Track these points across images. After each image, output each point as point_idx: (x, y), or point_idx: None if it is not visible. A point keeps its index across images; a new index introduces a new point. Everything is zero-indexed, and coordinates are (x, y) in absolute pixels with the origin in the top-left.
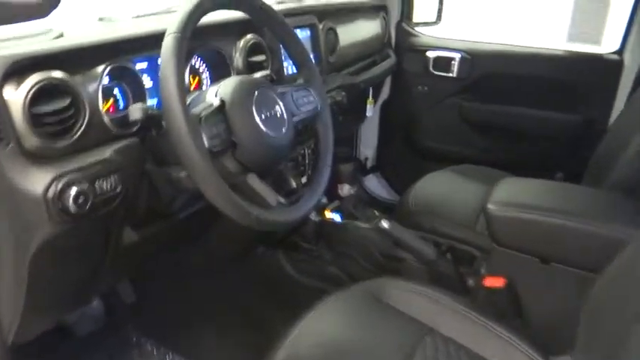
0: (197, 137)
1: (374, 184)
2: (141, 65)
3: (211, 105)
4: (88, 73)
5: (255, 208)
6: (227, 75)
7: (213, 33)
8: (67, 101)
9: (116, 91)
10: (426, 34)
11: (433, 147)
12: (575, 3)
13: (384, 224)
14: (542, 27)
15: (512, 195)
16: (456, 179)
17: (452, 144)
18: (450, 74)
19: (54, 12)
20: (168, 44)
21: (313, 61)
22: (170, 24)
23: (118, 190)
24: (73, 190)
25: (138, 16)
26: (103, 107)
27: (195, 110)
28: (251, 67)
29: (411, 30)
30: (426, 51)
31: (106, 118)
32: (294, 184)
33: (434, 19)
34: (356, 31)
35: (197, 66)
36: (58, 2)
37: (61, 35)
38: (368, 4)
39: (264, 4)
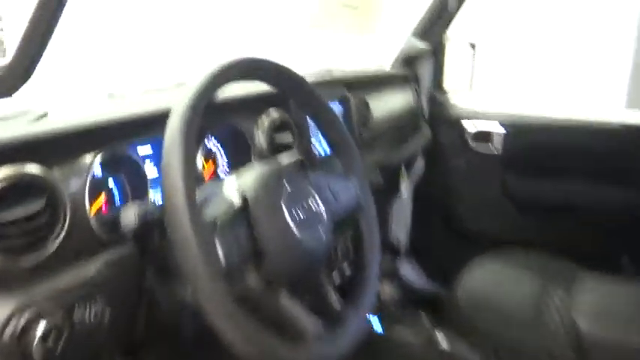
0: (210, 254)
1: (408, 271)
2: (144, 151)
3: (231, 205)
4: (72, 165)
5: (290, 347)
6: (248, 158)
7: (230, 109)
8: (41, 202)
9: (111, 183)
10: (462, 105)
11: (474, 228)
12: (635, 64)
13: (441, 342)
14: (596, 92)
15: (604, 305)
16: (508, 268)
17: (495, 225)
18: (491, 147)
19: (44, 90)
20: (174, 125)
21: (351, 139)
22: (178, 100)
23: (106, 317)
24: (41, 327)
25: (148, 92)
26: (90, 207)
27: (210, 212)
28: (276, 148)
29: (445, 101)
30: (463, 123)
31: (93, 222)
32: (335, 300)
33: (467, 88)
34: (388, 103)
35: (211, 148)
36: (28, 77)
37: (44, 116)
38: (398, 73)
39: (290, 70)
